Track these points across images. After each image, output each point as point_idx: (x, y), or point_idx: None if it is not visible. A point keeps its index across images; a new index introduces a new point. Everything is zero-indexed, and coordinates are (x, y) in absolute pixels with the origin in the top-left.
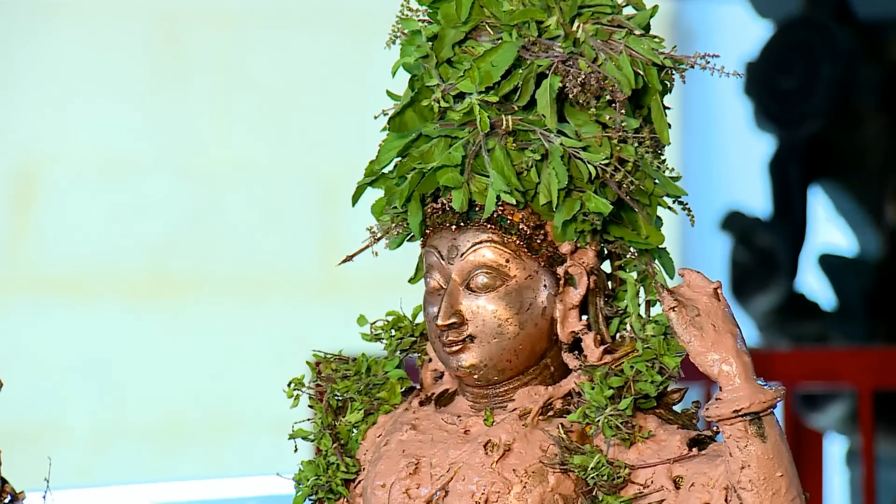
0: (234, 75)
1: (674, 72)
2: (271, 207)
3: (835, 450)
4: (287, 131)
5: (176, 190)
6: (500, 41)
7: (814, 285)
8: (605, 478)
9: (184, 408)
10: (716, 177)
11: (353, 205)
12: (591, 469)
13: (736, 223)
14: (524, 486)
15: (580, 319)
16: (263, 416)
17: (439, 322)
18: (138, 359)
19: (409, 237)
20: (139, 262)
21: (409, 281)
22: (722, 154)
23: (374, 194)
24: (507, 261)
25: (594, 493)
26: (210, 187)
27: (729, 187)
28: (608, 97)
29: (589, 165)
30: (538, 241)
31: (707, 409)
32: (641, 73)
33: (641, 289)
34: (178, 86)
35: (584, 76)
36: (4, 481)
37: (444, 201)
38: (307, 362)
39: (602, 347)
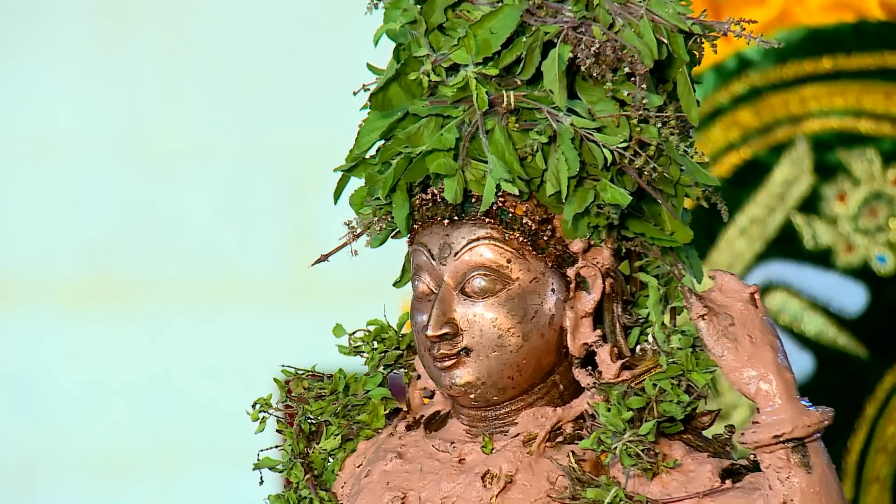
0: (187, 44)
1: (703, 40)
2: (232, 198)
3: None
4: (251, 110)
5: (119, 178)
6: (500, 4)
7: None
8: None
9: (129, 435)
10: None
11: (336, 201)
12: None
13: None
14: None
15: (594, 329)
16: (224, 443)
17: (429, 332)
18: (74, 377)
19: (394, 233)
20: (75, 263)
21: (394, 284)
22: None
23: (353, 183)
24: (509, 261)
25: None
26: (159, 175)
27: None
28: (626, 70)
29: (604, 149)
30: (545, 238)
31: (743, 434)
32: (665, 41)
33: (665, 294)
34: (122, 56)
35: (598, 45)
36: None
37: (435, 191)
38: (275, 380)
39: (620, 362)
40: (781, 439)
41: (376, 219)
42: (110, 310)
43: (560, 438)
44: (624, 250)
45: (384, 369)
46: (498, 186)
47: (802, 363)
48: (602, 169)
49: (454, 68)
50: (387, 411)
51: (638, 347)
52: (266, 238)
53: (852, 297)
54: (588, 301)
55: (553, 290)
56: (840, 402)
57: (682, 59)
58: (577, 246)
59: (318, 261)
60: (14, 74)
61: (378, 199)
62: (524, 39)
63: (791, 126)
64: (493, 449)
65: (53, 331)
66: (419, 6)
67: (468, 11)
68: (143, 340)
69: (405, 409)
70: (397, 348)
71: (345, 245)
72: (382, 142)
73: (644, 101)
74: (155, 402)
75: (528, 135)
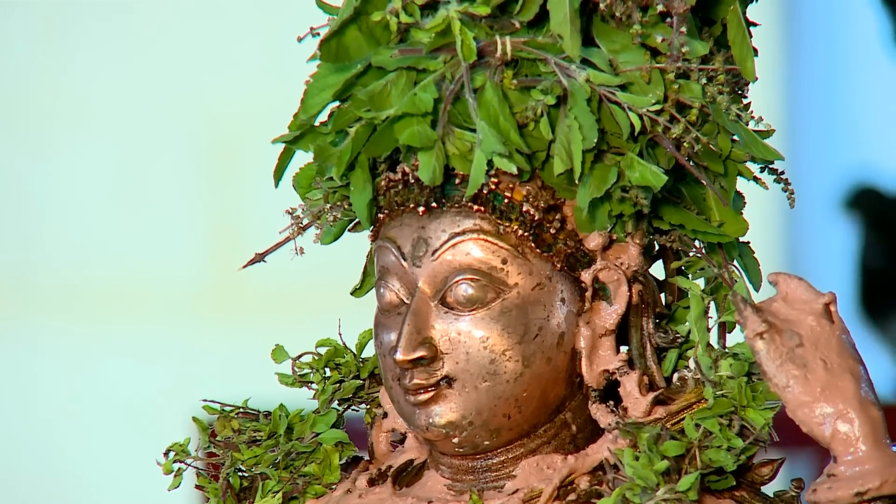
0: None
1: None
2: (133, 179)
3: None
4: (160, 63)
5: None
6: None
7: None
8: None
9: None
10: (834, 130)
11: (277, 183)
12: None
13: (867, 205)
14: None
15: (617, 352)
16: (125, 502)
17: (399, 356)
18: None
19: (352, 225)
20: None
21: (353, 293)
22: (844, 94)
23: (298, 159)
24: (505, 261)
25: None
26: (30, 146)
27: (856, 147)
28: (660, 7)
29: (631, 113)
30: (552, 232)
31: (814, 490)
32: None
33: (712, 305)
34: None
35: None
36: None
37: (407, 170)
38: (194, 419)
39: (651, 395)
40: (866, 497)
41: (328, 206)
42: None
43: (572, 496)
44: (657, 248)
45: (339, 405)
46: (490, 163)
47: None
48: (628, 140)
49: (432, 6)
50: (343, 460)
51: (675, 376)
52: (177, 231)
53: None
54: (609, 314)
55: (563, 299)
56: None
57: None
58: (594, 242)
59: (253, 261)
60: None
61: (331, 179)
62: None
63: None
64: None
65: None
66: None
67: None
68: (14, 364)
69: (367, 457)
70: (356, 377)
71: (287, 241)
72: (337, 104)
73: (684, 50)
74: (30, 444)
75: (529, 94)
